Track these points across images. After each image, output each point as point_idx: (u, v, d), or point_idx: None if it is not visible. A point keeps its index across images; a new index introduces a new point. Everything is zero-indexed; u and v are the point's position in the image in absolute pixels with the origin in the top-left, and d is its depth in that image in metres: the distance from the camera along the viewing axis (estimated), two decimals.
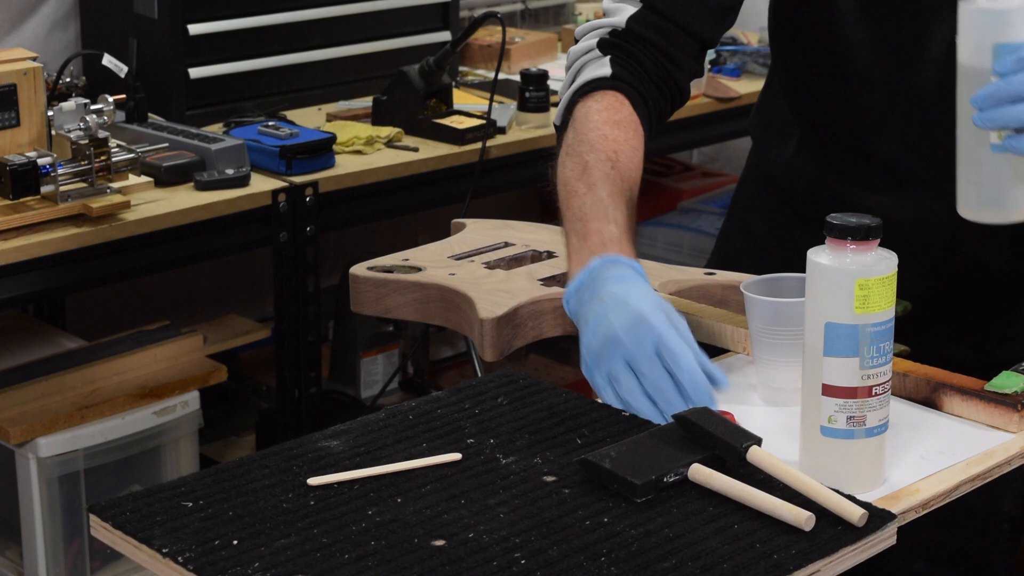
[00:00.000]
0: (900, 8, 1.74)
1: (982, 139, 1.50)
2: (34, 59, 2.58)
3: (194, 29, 2.99)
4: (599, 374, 1.53)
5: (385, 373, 3.52)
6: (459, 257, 1.84)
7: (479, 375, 1.95)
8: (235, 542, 1.28)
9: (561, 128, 1.77)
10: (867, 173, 1.82)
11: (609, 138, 1.69)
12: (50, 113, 2.54)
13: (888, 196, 1.79)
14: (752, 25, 3.39)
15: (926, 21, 1.74)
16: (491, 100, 3.00)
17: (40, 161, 2.47)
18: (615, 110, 1.72)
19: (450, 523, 1.31)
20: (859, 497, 1.35)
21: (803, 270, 1.40)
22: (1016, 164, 1.49)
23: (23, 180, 2.45)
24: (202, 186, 2.69)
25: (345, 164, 2.88)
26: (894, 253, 1.38)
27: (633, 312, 1.51)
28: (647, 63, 1.75)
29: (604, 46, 1.76)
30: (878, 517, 1.32)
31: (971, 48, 1.49)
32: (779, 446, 1.45)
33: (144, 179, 2.62)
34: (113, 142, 2.58)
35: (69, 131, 2.52)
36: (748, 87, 3.45)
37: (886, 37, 1.76)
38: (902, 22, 1.74)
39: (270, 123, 2.90)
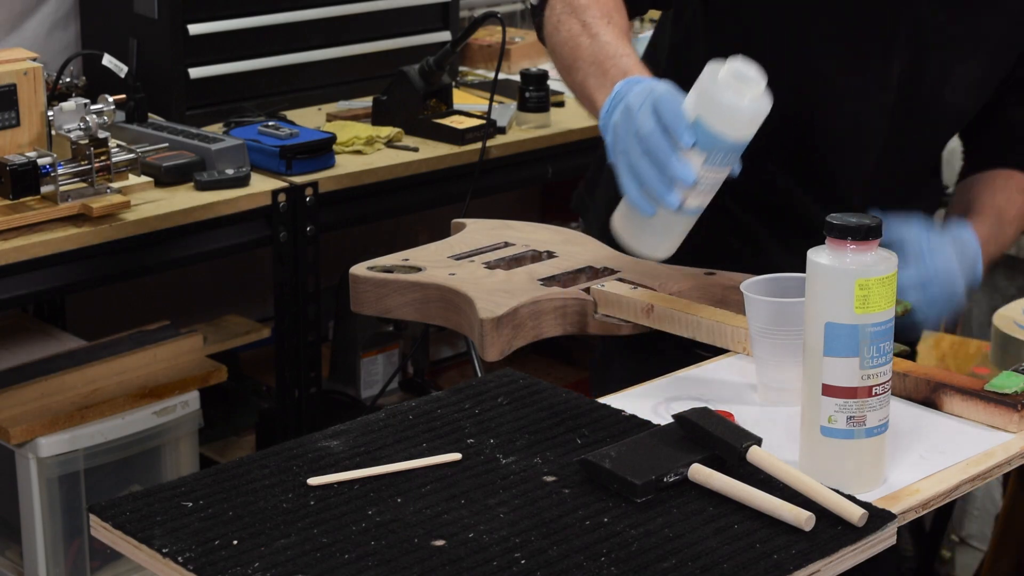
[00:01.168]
0: (867, 36, 1.84)
1: None
2: (34, 59, 2.58)
3: (194, 29, 2.99)
4: (616, 150, 1.57)
5: (385, 373, 3.52)
6: (459, 257, 1.84)
7: (479, 375, 1.95)
8: (235, 542, 1.28)
9: (540, 4, 1.83)
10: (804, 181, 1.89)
11: (600, 3, 1.77)
12: (50, 113, 2.54)
13: (820, 204, 1.87)
14: None
15: (889, 52, 1.84)
16: (491, 100, 3.00)
17: (40, 161, 2.47)
18: None
19: (450, 523, 1.31)
20: (859, 497, 1.35)
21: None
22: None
23: (23, 180, 2.45)
24: (202, 186, 2.69)
25: (345, 164, 2.88)
26: (894, 253, 1.38)
27: (646, 87, 1.58)
28: None
29: None
30: (878, 517, 1.32)
31: (690, 100, 1.54)
32: (779, 446, 1.45)
33: (144, 179, 2.62)
34: (113, 142, 2.58)
35: (69, 131, 2.52)
36: None
37: (854, 61, 1.86)
38: (867, 48, 1.84)
39: (270, 123, 2.90)
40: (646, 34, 3.21)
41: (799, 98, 1.87)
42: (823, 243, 1.38)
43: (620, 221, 1.64)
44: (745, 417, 1.53)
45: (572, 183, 3.77)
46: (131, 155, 2.59)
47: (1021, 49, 1.89)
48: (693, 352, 1.78)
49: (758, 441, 1.39)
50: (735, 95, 1.50)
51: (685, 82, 1.95)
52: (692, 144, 1.51)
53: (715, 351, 1.71)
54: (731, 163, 1.54)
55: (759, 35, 1.87)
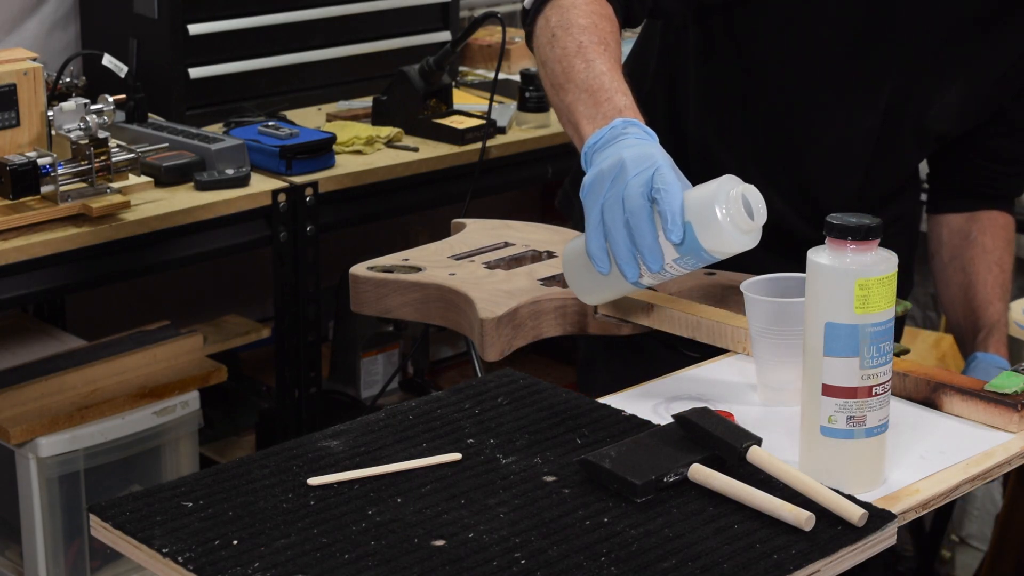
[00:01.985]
0: (859, 61, 1.84)
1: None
2: (34, 59, 2.58)
3: (194, 29, 2.99)
4: (595, 197, 1.53)
5: (385, 373, 3.52)
6: (459, 257, 1.84)
7: (479, 375, 1.95)
8: (235, 542, 1.28)
9: (533, 11, 1.78)
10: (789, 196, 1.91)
11: (599, 27, 1.72)
12: (50, 113, 2.54)
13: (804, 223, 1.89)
14: None
15: (880, 76, 1.85)
16: (491, 100, 3.00)
17: (40, 161, 2.47)
18: (601, 5, 1.75)
19: (450, 523, 1.31)
20: (859, 497, 1.35)
21: None
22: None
23: (23, 180, 2.45)
24: (202, 186, 2.69)
25: (345, 164, 2.88)
26: (894, 253, 1.38)
27: (646, 150, 1.53)
28: None
29: None
30: (878, 517, 1.32)
31: (690, 198, 1.51)
32: (779, 446, 1.45)
33: (144, 179, 2.62)
34: (113, 142, 2.58)
35: (69, 131, 2.52)
36: None
37: (846, 85, 1.86)
38: (859, 72, 1.85)
39: (270, 123, 2.90)
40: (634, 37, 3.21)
41: (789, 118, 1.88)
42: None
43: (569, 253, 1.63)
44: (745, 417, 1.53)
45: None
46: (131, 155, 2.59)
47: (998, 76, 1.90)
48: (680, 352, 1.78)
49: (758, 441, 1.39)
50: (735, 223, 1.47)
51: (671, 96, 1.94)
52: (680, 240, 1.49)
53: (703, 351, 1.71)
54: (698, 267, 1.54)
55: (751, 54, 1.87)
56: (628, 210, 1.50)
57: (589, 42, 1.70)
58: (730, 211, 1.47)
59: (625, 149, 1.54)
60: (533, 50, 1.79)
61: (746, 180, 1.87)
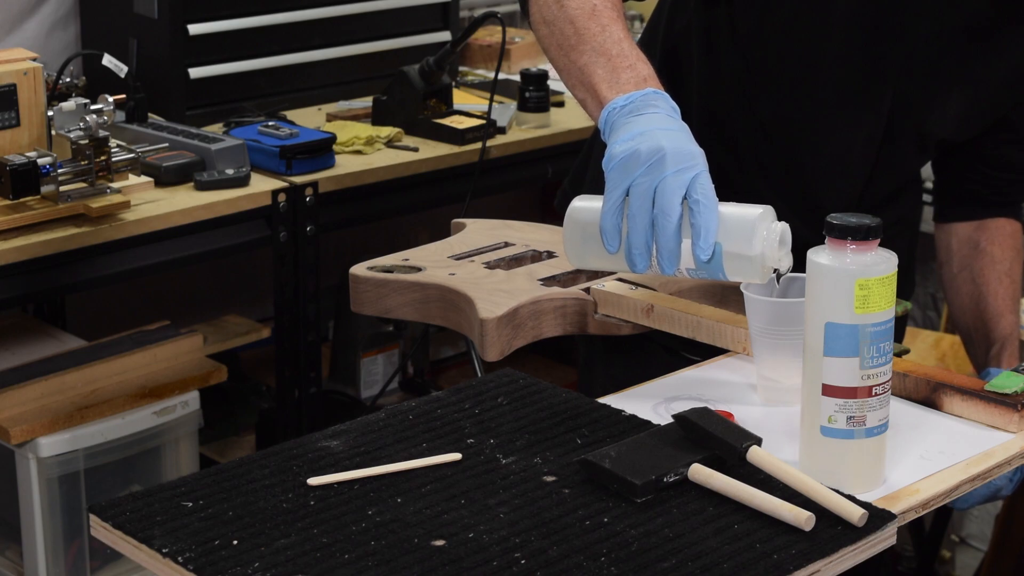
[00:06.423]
0: (860, 65, 1.84)
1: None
2: (34, 59, 2.58)
3: (194, 29, 2.99)
4: (623, 175, 1.51)
5: (385, 373, 3.52)
6: (459, 257, 1.84)
7: (479, 375, 1.95)
8: (235, 542, 1.28)
9: None
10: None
11: None
12: (50, 113, 2.54)
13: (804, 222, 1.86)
14: None
15: (881, 81, 1.85)
16: (491, 100, 3.00)
17: (40, 161, 2.47)
18: None
19: (450, 523, 1.31)
20: (859, 497, 1.35)
21: None
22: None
23: (23, 180, 2.45)
24: (202, 186, 2.69)
25: (345, 164, 2.88)
26: (894, 253, 1.38)
27: (686, 144, 1.51)
28: None
29: None
30: (878, 517, 1.32)
31: (727, 215, 1.51)
32: (779, 446, 1.45)
33: (144, 179, 2.62)
34: (113, 142, 2.58)
35: (69, 131, 2.52)
36: None
37: (847, 90, 1.85)
38: (861, 77, 1.85)
39: (270, 123, 2.90)
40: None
41: (791, 122, 1.88)
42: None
43: (577, 213, 1.60)
44: (745, 417, 1.53)
45: None
46: (131, 155, 2.59)
47: (1000, 83, 1.89)
48: (680, 355, 1.78)
49: (758, 441, 1.39)
50: (765, 261, 1.49)
51: (672, 98, 1.94)
52: (707, 259, 1.49)
53: (703, 355, 1.71)
54: (705, 280, 1.54)
55: (754, 57, 1.86)
56: (658, 206, 1.48)
57: (603, 6, 1.67)
58: (765, 249, 1.48)
59: (663, 135, 1.51)
60: (529, 12, 1.74)
61: (747, 182, 1.87)
